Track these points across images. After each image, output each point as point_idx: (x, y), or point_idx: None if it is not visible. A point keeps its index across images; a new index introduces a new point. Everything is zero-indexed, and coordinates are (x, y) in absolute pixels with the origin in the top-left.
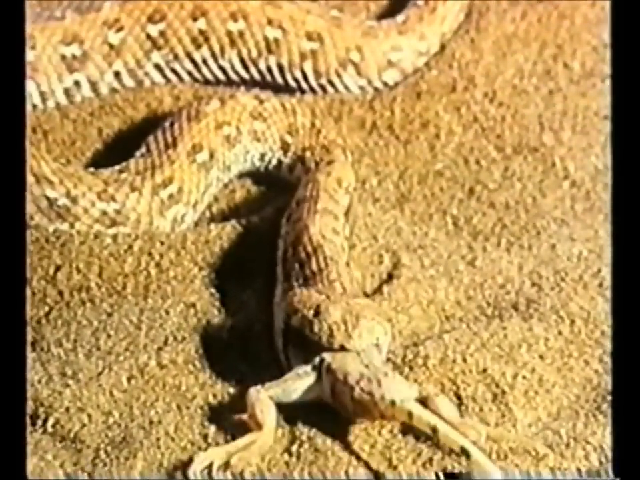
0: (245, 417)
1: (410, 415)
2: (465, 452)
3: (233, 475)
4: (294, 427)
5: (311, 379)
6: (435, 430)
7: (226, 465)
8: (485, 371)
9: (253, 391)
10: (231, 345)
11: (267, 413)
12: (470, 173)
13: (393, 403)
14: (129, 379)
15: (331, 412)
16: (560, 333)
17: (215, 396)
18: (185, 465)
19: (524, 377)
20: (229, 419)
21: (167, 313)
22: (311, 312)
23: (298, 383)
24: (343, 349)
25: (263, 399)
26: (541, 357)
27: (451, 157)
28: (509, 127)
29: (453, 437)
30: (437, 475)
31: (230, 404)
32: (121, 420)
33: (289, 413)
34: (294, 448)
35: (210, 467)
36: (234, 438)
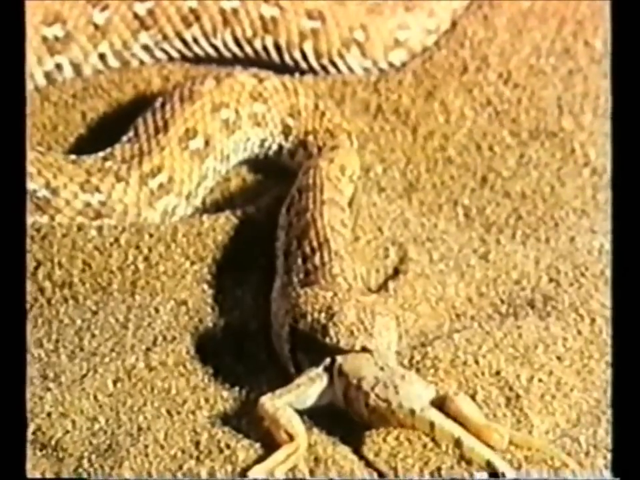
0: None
1: (432, 425)
2: (490, 466)
3: None
4: None
5: (323, 382)
6: (459, 442)
7: None
8: (498, 373)
9: (266, 401)
10: (225, 344)
11: (295, 421)
12: (483, 159)
13: (412, 412)
14: (115, 382)
15: (330, 416)
16: (579, 332)
17: (207, 400)
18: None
19: (540, 380)
20: (225, 424)
21: (156, 310)
22: (323, 315)
23: (311, 388)
24: (364, 350)
25: (283, 407)
26: (559, 358)
27: (462, 143)
28: (525, 111)
29: (479, 450)
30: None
31: (224, 409)
32: (107, 426)
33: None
34: (293, 456)
35: None
36: (228, 446)
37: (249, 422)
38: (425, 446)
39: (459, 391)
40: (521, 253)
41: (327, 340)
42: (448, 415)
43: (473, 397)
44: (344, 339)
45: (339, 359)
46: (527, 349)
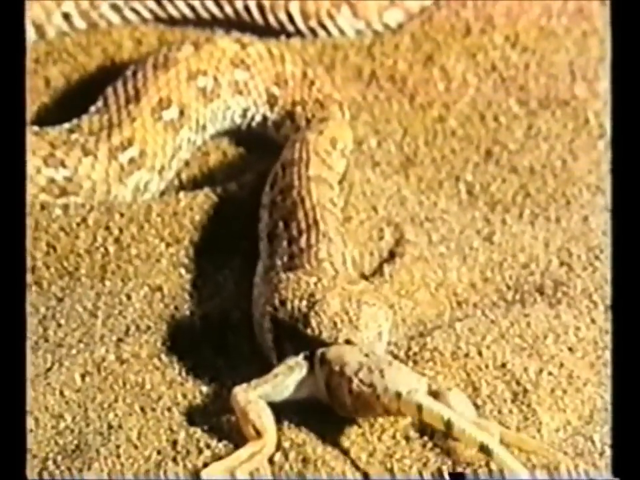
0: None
1: (419, 408)
2: (485, 450)
3: None
4: (278, 432)
5: (303, 371)
6: (449, 425)
7: None
8: (504, 365)
9: (239, 391)
10: (204, 335)
11: (265, 417)
12: (487, 131)
13: (398, 395)
14: (83, 376)
15: (322, 412)
16: (593, 321)
17: (185, 396)
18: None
19: (550, 373)
20: (204, 422)
21: (129, 297)
22: (304, 303)
23: (289, 377)
24: (348, 343)
25: (255, 401)
26: (571, 349)
27: (464, 113)
28: (534, 77)
29: (471, 433)
30: (441, 474)
31: (203, 405)
32: (74, 425)
33: (273, 414)
34: (278, 456)
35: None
36: (208, 446)
37: (230, 419)
38: (424, 445)
39: (458, 386)
40: (529, 233)
41: (308, 331)
42: None
43: (476, 392)
44: (326, 331)
45: (325, 350)
46: (535, 340)
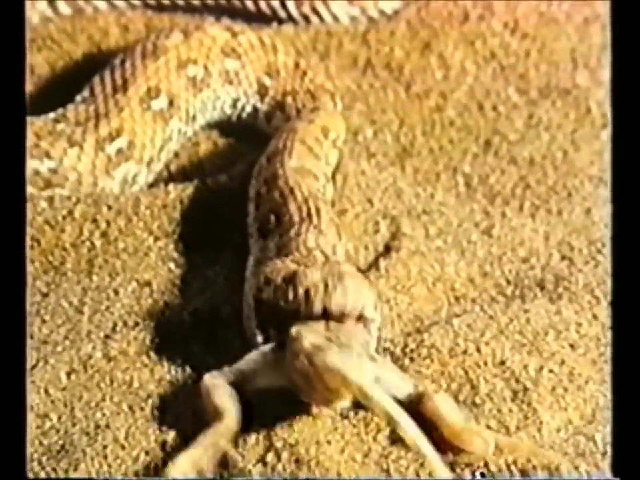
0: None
1: (361, 391)
2: (419, 452)
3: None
4: (270, 431)
5: (276, 358)
6: (388, 418)
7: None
8: (503, 363)
9: (207, 377)
10: (194, 331)
11: (226, 398)
12: (486, 121)
13: (341, 376)
14: (68, 374)
15: (316, 411)
16: (595, 317)
17: (174, 395)
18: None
19: (551, 371)
20: (195, 422)
21: (116, 293)
22: (284, 278)
23: (260, 363)
24: (324, 314)
25: (219, 384)
26: (572, 346)
27: (462, 102)
28: (534, 65)
29: (407, 430)
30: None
31: (194, 404)
32: (59, 424)
33: (263, 413)
34: (270, 457)
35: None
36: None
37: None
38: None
39: (456, 384)
40: (529, 227)
41: (286, 306)
42: (424, 414)
43: (474, 391)
44: (302, 303)
45: (294, 332)
46: (535, 336)
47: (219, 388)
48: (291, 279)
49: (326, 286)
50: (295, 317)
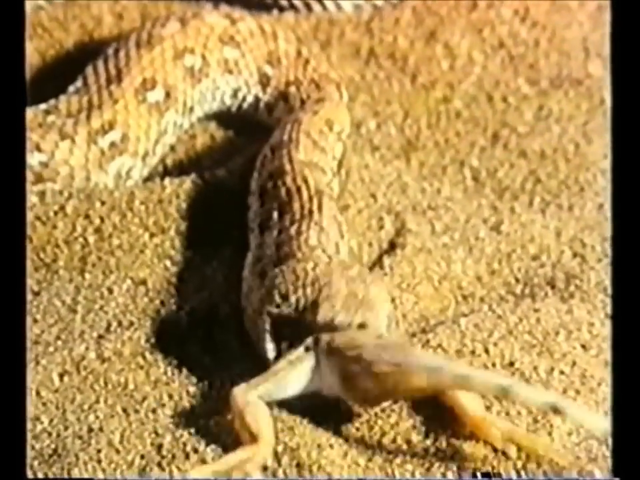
0: (234, 423)
1: (455, 379)
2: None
3: None
4: None
5: (307, 365)
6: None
7: None
8: (512, 364)
9: (238, 391)
10: (191, 331)
11: (263, 420)
12: (494, 113)
13: (431, 370)
14: (61, 376)
15: (317, 414)
16: (608, 316)
17: (170, 396)
18: None
19: (562, 372)
20: (192, 425)
21: (110, 291)
22: (309, 290)
23: (292, 373)
24: (361, 326)
25: (253, 402)
26: (584, 346)
27: (470, 94)
28: (545, 54)
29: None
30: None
31: (190, 406)
32: (52, 427)
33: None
34: (270, 461)
35: None
36: (195, 450)
37: (219, 421)
38: (427, 449)
39: None
40: (539, 223)
41: (319, 318)
42: (445, 403)
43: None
44: (341, 315)
45: (324, 336)
46: (546, 336)
47: (254, 407)
48: (319, 291)
49: (357, 297)
50: (323, 329)
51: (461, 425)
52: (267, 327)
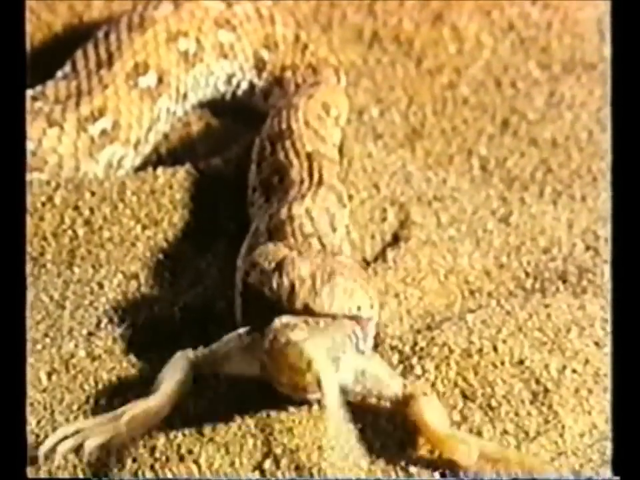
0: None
1: (314, 371)
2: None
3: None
4: (269, 436)
5: (253, 343)
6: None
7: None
8: (522, 362)
9: (178, 353)
10: (185, 328)
11: (169, 376)
12: (503, 99)
13: (289, 342)
14: (49, 375)
15: (318, 415)
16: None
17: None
18: None
19: (574, 371)
20: (185, 427)
21: (100, 286)
22: (272, 265)
23: (231, 346)
24: (306, 310)
25: (176, 359)
26: (597, 344)
27: (478, 79)
28: (557, 37)
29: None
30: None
31: (184, 407)
32: (39, 429)
33: (261, 416)
34: (268, 464)
35: (59, 443)
36: (190, 452)
37: (215, 422)
38: (432, 452)
39: (470, 386)
40: (550, 214)
41: (270, 294)
42: (409, 416)
43: (490, 393)
44: (284, 294)
45: (281, 319)
46: (557, 333)
47: (173, 364)
48: (278, 266)
49: (313, 282)
50: (278, 308)
51: (424, 440)
52: (240, 297)
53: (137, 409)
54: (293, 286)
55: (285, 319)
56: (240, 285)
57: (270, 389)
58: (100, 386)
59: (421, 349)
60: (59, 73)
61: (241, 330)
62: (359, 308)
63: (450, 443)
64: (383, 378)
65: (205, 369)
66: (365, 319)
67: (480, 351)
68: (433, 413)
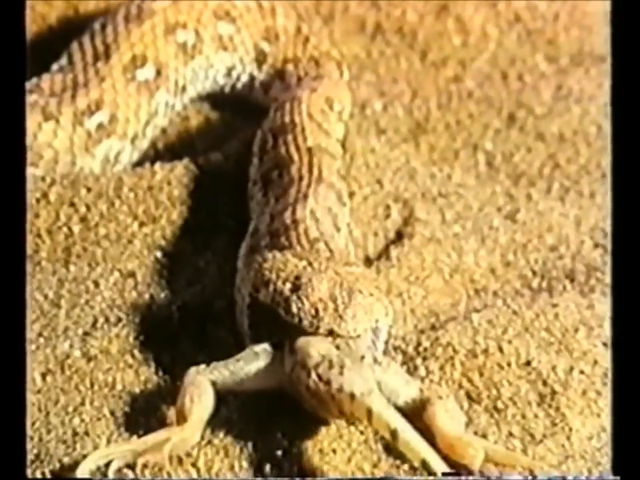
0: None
1: (369, 412)
2: (426, 466)
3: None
4: (269, 440)
5: (269, 360)
6: (394, 435)
7: (130, 467)
8: (528, 363)
9: (192, 370)
10: (183, 328)
11: (198, 402)
12: (510, 93)
13: (352, 396)
14: (44, 375)
15: (317, 420)
16: None
17: (162, 397)
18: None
19: (582, 372)
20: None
21: (96, 285)
22: (287, 285)
23: (252, 364)
24: (331, 334)
25: (199, 383)
26: (605, 344)
27: (483, 72)
28: (565, 29)
29: (414, 446)
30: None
31: None
32: (33, 431)
33: (261, 418)
34: (268, 468)
35: (107, 466)
36: (188, 455)
37: (214, 424)
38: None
39: (475, 387)
40: (558, 211)
41: (288, 317)
42: (424, 421)
43: (496, 394)
44: (307, 319)
45: (296, 338)
46: (564, 333)
47: (196, 388)
48: (295, 287)
49: (335, 306)
50: (297, 329)
51: (437, 445)
52: (246, 309)
53: (175, 438)
54: (316, 311)
55: (315, 346)
56: (247, 298)
57: (270, 391)
58: (96, 387)
59: (425, 349)
60: (55, 66)
61: (256, 347)
62: (377, 320)
63: (459, 445)
64: (399, 385)
65: (226, 392)
66: (379, 328)
67: (485, 351)
68: (445, 417)
